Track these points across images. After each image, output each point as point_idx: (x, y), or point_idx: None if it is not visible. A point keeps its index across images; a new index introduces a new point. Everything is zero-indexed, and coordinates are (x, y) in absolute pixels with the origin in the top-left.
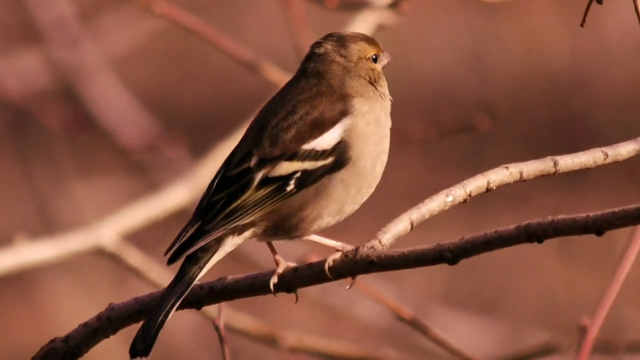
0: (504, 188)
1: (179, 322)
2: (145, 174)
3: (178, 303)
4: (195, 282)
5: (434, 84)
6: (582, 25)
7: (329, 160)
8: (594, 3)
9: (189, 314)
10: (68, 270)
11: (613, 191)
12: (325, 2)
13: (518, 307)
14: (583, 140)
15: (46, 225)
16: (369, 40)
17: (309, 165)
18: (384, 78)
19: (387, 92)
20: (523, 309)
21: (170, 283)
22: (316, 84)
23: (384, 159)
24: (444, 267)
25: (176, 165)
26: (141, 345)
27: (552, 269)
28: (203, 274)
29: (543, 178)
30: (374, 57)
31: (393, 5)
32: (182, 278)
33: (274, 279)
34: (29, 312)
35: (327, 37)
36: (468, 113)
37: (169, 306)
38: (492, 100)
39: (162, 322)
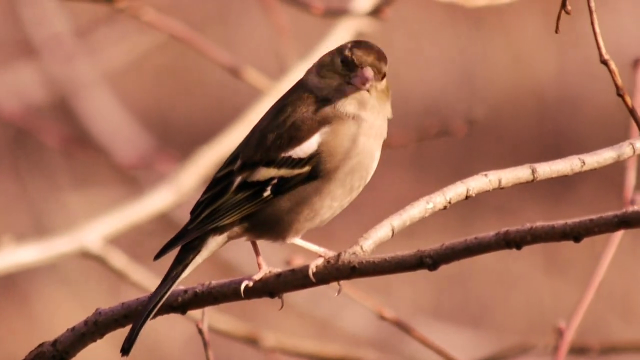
0: (492, 202)
1: (172, 331)
2: (139, 188)
3: (160, 303)
4: (179, 280)
5: (422, 99)
6: (556, 32)
7: (305, 169)
8: (580, 10)
9: (181, 324)
10: (62, 280)
11: (599, 204)
12: (311, 9)
13: (505, 319)
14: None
15: (41, 235)
16: (338, 51)
17: (285, 172)
18: (342, 96)
19: (342, 109)
20: (510, 322)
21: (159, 284)
22: (293, 95)
23: (364, 174)
24: (431, 279)
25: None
26: (126, 345)
27: (539, 281)
28: (187, 273)
29: (531, 191)
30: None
31: (375, 12)
32: (166, 278)
33: (249, 283)
34: (23, 321)
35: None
36: (452, 125)
37: (151, 307)
38: (478, 114)
39: (143, 322)
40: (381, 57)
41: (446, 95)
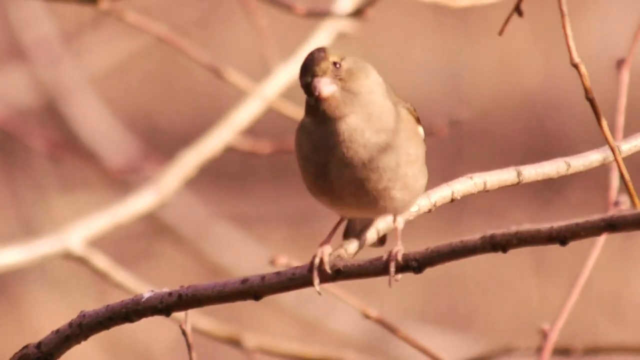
0: (480, 204)
1: (158, 333)
2: (126, 191)
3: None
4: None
5: (409, 102)
6: (500, 34)
7: None
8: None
9: (168, 326)
10: (49, 282)
11: (588, 207)
12: (293, 10)
13: (493, 322)
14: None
15: (27, 238)
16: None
17: None
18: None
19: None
20: (498, 324)
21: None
22: None
23: (308, 177)
24: (419, 283)
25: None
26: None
27: (527, 284)
28: None
29: (519, 194)
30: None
31: (358, 13)
32: None
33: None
34: (9, 323)
35: None
36: (435, 126)
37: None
38: (462, 116)
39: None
40: (315, 58)
41: (433, 99)
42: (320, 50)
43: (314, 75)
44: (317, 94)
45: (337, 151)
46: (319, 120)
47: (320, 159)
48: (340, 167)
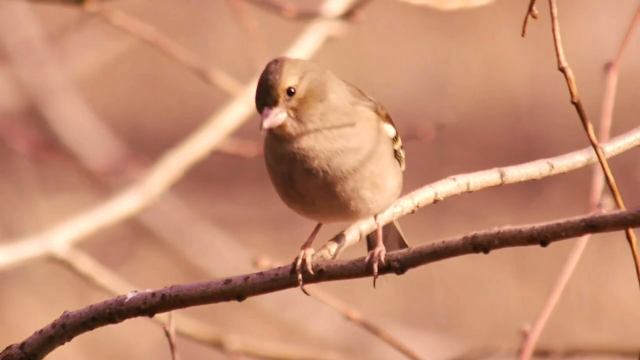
0: (462, 206)
1: (140, 335)
2: (110, 194)
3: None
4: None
5: (395, 106)
6: (522, 35)
7: None
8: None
9: (150, 328)
10: (32, 283)
11: (570, 208)
12: (283, 12)
13: (473, 324)
14: None
15: (11, 242)
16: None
17: None
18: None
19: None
20: (479, 326)
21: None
22: None
23: (279, 189)
24: (399, 285)
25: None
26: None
27: (508, 285)
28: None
29: (502, 195)
30: None
31: (347, 15)
32: None
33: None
34: None
35: None
36: (420, 129)
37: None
38: (447, 118)
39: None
40: (268, 84)
41: (419, 101)
42: (278, 67)
43: (264, 104)
44: (262, 127)
45: (296, 164)
46: (274, 137)
47: (283, 170)
48: (304, 177)
